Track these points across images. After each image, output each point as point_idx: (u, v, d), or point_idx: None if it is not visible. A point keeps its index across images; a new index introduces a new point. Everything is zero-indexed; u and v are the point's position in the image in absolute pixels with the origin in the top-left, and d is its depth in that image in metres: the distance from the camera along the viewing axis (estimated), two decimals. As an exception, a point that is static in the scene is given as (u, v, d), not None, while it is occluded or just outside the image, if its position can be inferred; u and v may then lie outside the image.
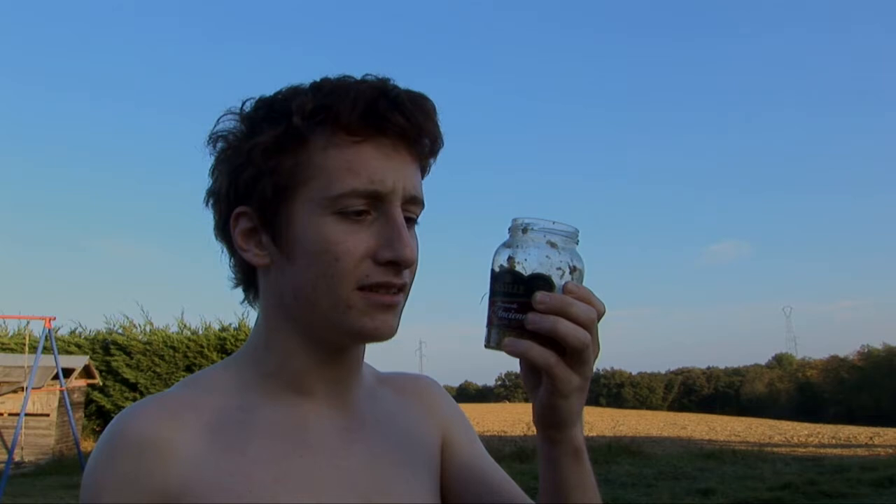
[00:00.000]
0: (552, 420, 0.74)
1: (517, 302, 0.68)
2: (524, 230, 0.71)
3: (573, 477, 0.77)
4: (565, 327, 0.67)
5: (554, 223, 0.70)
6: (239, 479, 0.76)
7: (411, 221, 0.82)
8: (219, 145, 0.83)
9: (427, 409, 0.97)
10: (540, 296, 0.67)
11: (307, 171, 0.77)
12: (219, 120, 0.83)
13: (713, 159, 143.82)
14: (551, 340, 0.68)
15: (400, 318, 0.81)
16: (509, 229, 0.72)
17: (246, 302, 0.88)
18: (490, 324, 0.71)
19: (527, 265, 0.69)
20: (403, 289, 0.80)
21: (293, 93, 0.79)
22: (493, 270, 0.72)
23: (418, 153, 0.81)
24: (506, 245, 0.72)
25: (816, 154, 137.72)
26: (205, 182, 0.85)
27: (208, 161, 0.85)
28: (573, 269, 0.70)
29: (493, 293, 0.71)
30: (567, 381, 0.70)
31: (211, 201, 0.85)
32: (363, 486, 0.82)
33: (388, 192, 0.77)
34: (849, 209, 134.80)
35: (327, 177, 0.76)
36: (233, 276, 0.88)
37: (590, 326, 0.68)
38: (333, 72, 0.81)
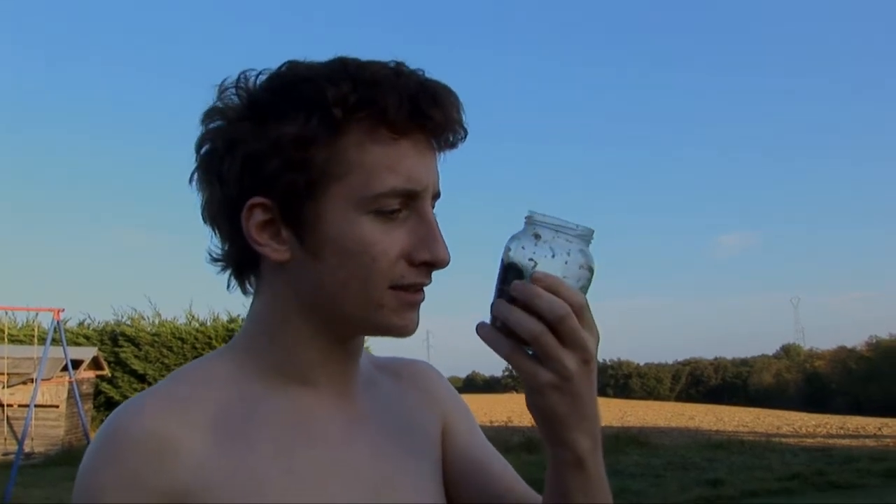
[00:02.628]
0: (535, 416, 0.73)
1: (497, 288, 0.71)
2: (526, 221, 0.72)
3: (570, 486, 0.74)
4: (517, 316, 0.67)
5: (544, 215, 0.71)
6: (247, 475, 0.73)
7: None
8: (216, 122, 0.77)
9: (426, 395, 0.95)
10: (515, 283, 0.69)
11: (341, 167, 0.72)
12: (219, 96, 0.77)
13: (722, 149, 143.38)
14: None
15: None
16: None
17: (239, 290, 0.83)
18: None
19: (510, 254, 0.71)
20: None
21: (317, 75, 0.73)
22: None
23: (442, 147, 0.79)
24: (512, 235, 0.74)
25: (823, 144, 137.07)
26: None
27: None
28: (574, 265, 0.70)
29: None
30: (531, 375, 0.69)
31: (203, 182, 0.79)
32: (371, 479, 0.80)
33: (423, 189, 0.75)
34: (857, 199, 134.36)
35: (365, 174, 0.72)
36: (220, 261, 0.82)
37: (550, 319, 0.66)
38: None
